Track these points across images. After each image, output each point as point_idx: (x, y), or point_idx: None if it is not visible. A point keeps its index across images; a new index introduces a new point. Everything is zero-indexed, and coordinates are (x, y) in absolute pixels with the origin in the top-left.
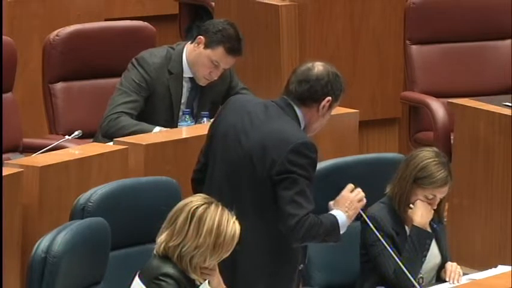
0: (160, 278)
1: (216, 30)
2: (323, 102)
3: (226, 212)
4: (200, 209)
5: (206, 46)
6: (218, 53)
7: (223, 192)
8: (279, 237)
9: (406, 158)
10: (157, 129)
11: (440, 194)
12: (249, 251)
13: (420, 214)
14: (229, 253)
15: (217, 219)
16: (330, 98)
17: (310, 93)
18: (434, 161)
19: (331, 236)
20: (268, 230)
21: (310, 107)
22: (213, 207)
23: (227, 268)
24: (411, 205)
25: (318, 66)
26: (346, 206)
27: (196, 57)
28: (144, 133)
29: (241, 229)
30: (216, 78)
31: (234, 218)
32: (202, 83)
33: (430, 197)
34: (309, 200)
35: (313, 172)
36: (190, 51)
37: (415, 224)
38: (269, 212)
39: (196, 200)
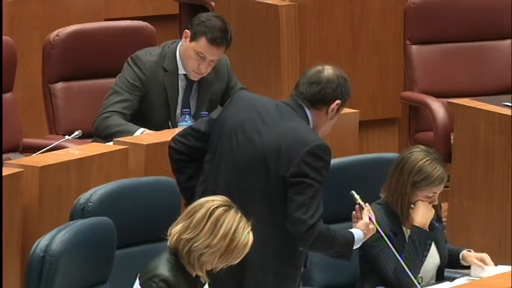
0: (154, 279)
1: (199, 22)
2: (332, 105)
3: (244, 220)
4: (220, 210)
5: (191, 39)
6: (201, 44)
7: (231, 188)
8: (286, 238)
9: (396, 162)
10: (139, 131)
11: (439, 190)
12: (257, 250)
13: (421, 214)
14: (237, 261)
15: (234, 224)
16: (339, 101)
17: (321, 96)
18: (427, 160)
19: (342, 252)
20: (277, 230)
21: (320, 109)
22: (232, 211)
23: (235, 268)
24: (412, 205)
25: (328, 70)
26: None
27: (184, 51)
28: (127, 134)
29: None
30: (205, 71)
31: (250, 228)
32: (193, 77)
33: (430, 195)
34: (319, 206)
35: (326, 175)
36: (181, 46)
37: (415, 224)
38: (279, 212)
39: (218, 200)
